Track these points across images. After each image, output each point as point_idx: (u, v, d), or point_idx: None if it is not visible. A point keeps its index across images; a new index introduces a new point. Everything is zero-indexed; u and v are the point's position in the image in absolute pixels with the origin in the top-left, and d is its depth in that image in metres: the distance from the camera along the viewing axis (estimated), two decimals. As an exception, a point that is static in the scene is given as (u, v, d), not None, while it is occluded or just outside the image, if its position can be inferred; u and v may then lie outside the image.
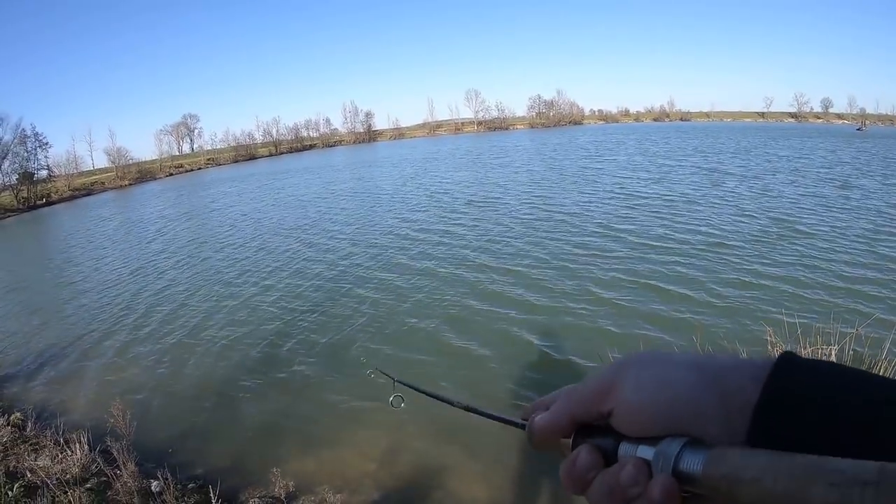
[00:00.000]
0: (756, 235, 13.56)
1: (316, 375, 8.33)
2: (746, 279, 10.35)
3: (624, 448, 0.52)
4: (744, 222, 15.15)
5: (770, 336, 5.36)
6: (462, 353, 8.39)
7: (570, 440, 0.58)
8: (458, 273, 12.32)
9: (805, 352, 4.98)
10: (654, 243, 13.42)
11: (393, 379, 1.39)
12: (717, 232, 14.18)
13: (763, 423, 0.45)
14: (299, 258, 15.67)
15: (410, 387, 1.29)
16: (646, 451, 0.50)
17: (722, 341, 7.13)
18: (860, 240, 12.74)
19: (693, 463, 0.45)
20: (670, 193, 20.94)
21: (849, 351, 5.11)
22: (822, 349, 4.94)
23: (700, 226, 14.96)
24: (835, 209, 16.30)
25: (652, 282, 10.60)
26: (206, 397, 7.99)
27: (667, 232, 14.54)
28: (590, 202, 20.10)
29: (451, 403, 1.01)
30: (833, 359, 4.83)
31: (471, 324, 9.47)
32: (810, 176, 23.98)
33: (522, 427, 0.65)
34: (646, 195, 20.91)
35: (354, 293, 11.76)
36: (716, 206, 17.90)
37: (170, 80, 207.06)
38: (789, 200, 18.19)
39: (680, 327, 8.40)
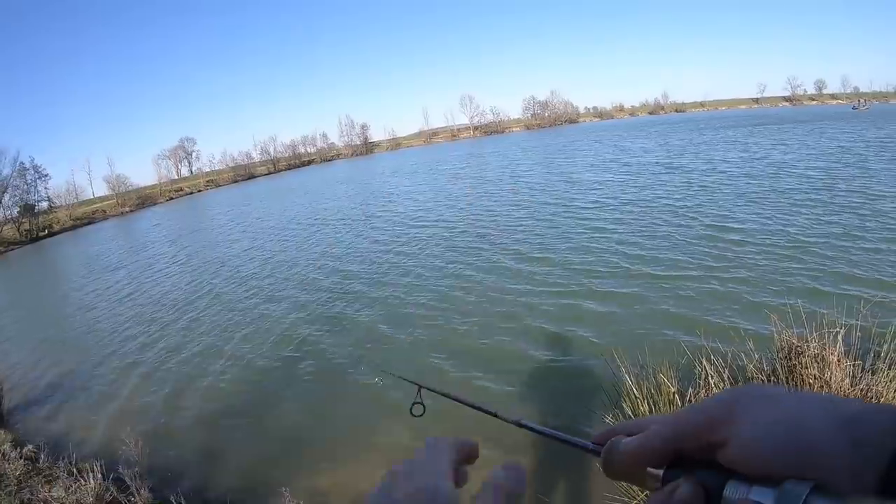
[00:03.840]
0: (749, 224, 13.55)
1: (324, 391, 8.33)
2: (743, 268, 10.34)
3: (733, 487, 0.47)
4: (740, 213, 15.13)
5: (775, 324, 5.34)
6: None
7: (661, 472, 0.53)
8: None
9: (812, 337, 4.98)
10: (646, 234, 13.44)
11: (418, 386, 1.34)
12: (710, 221, 14.19)
13: None
14: (306, 279, 15.71)
15: (440, 393, 1.22)
16: (762, 494, 0.44)
17: (727, 331, 7.13)
18: (857, 224, 12.72)
19: None
20: (660, 186, 21.02)
21: (856, 334, 5.09)
22: (829, 331, 4.92)
23: (691, 215, 15.01)
24: (830, 198, 16.23)
25: (649, 274, 10.61)
26: (216, 419, 7.99)
27: (659, 223, 14.58)
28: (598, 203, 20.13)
29: (494, 416, 0.93)
30: (840, 343, 4.81)
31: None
32: (803, 164, 23.96)
33: (594, 452, 0.60)
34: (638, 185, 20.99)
35: (351, 308, 11.78)
36: (708, 195, 17.92)
37: (165, 105, 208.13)
38: (788, 189, 18.18)
39: (680, 318, 8.45)
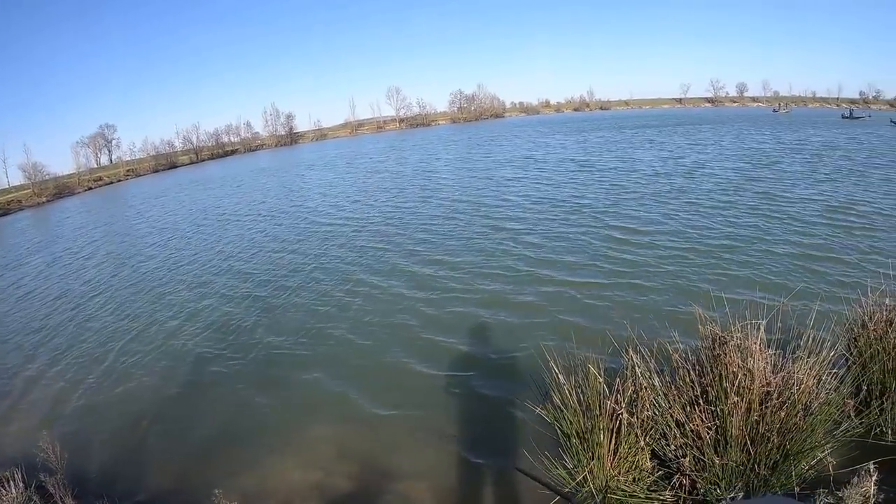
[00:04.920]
0: (672, 216, 13.96)
1: (253, 387, 8.19)
2: (667, 260, 10.69)
3: None
4: (654, 212, 15.58)
5: (699, 314, 5.48)
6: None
7: None
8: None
9: (735, 328, 5.13)
10: (560, 234, 13.69)
11: None
12: (624, 221, 14.68)
13: None
14: (229, 270, 15.39)
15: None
16: None
17: (652, 322, 7.33)
18: (777, 217, 13.26)
19: None
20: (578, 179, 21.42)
21: (777, 323, 5.28)
22: (752, 322, 5.07)
23: (604, 215, 15.69)
24: (742, 199, 16.89)
25: (566, 272, 10.89)
26: (141, 419, 7.74)
27: (573, 223, 15.12)
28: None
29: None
30: (762, 332, 4.95)
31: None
32: (718, 165, 24.93)
33: None
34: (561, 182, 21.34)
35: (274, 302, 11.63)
36: (636, 192, 18.41)
37: (85, 91, 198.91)
38: (711, 184, 18.81)
39: (603, 312, 8.72)
